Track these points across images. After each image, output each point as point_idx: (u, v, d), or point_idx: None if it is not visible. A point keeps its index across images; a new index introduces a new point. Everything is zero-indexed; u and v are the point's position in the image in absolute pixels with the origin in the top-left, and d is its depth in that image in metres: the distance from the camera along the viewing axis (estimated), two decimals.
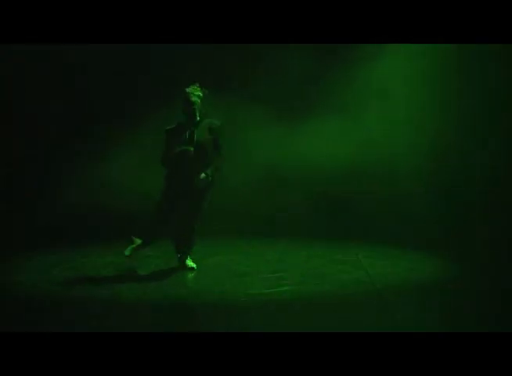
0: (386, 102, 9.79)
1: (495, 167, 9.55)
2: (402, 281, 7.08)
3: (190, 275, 7.34)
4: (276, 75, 9.86)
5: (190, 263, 7.53)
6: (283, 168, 9.94)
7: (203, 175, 7.12)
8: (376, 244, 8.80)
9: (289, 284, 6.86)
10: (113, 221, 9.37)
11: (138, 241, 7.43)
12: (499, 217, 9.12)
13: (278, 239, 9.20)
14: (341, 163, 9.62)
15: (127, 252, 7.37)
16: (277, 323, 5.82)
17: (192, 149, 7.14)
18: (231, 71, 9.85)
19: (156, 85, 9.82)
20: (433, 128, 9.71)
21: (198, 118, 7.24)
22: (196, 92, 7.25)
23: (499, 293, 6.70)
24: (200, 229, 7.47)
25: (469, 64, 9.56)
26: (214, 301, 6.37)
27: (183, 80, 9.64)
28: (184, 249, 7.50)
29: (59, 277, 7.26)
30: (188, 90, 7.26)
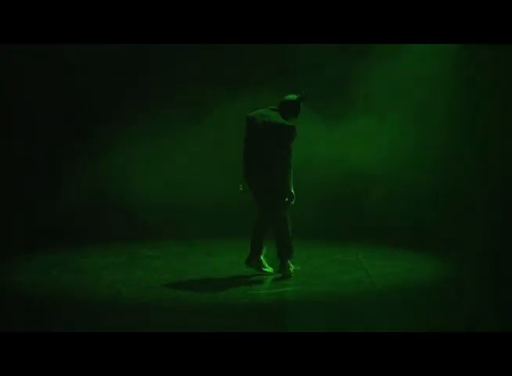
0: (387, 103, 9.77)
1: (495, 167, 9.53)
2: (402, 281, 7.08)
3: (190, 275, 7.34)
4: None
5: (291, 267, 7.17)
6: None
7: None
8: (376, 244, 8.79)
9: (289, 285, 6.86)
10: (114, 221, 9.37)
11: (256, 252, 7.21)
12: (499, 217, 9.11)
13: None
14: (341, 164, 9.60)
15: (267, 270, 7.23)
16: (277, 323, 5.81)
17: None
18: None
19: (156, 85, 9.81)
20: (432, 128, 9.69)
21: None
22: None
23: (499, 293, 6.71)
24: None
25: (469, 65, 9.54)
26: (214, 301, 6.37)
27: (183, 80, 9.72)
28: (282, 250, 7.11)
29: (59, 277, 7.26)
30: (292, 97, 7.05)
